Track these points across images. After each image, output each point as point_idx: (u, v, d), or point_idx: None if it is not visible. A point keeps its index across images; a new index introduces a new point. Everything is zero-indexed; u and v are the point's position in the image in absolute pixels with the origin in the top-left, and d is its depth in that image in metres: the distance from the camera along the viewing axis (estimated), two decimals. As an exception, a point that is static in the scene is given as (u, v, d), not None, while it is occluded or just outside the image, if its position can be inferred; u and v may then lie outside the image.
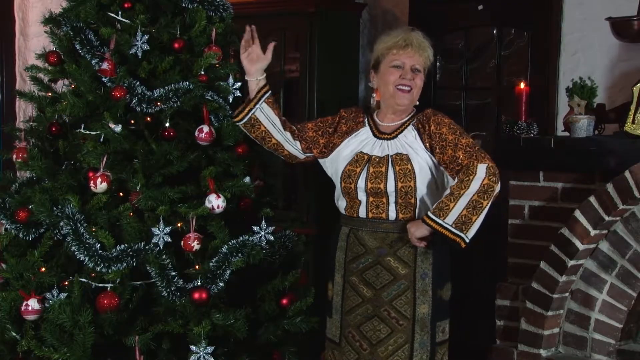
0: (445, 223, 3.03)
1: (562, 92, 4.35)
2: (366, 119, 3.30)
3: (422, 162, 3.14)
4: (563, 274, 3.60)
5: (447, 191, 3.07)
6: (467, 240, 3.05)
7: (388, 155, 3.16)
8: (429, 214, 3.06)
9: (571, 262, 3.58)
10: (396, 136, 3.20)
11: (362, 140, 3.25)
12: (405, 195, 3.12)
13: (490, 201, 3.06)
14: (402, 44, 3.19)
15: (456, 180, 3.08)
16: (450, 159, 3.11)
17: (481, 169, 3.05)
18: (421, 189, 3.14)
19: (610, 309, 3.62)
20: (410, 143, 3.17)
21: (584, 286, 3.67)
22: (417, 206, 3.15)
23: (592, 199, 3.53)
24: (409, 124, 3.22)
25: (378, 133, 3.24)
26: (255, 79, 3.36)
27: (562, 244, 3.60)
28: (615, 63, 4.31)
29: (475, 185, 3.04)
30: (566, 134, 3.83)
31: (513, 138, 3.85)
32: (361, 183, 3.15)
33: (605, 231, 3.60)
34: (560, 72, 4.52)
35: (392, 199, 3.13)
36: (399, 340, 3.14)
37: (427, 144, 3.16)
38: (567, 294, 3.69)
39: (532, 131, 3.84)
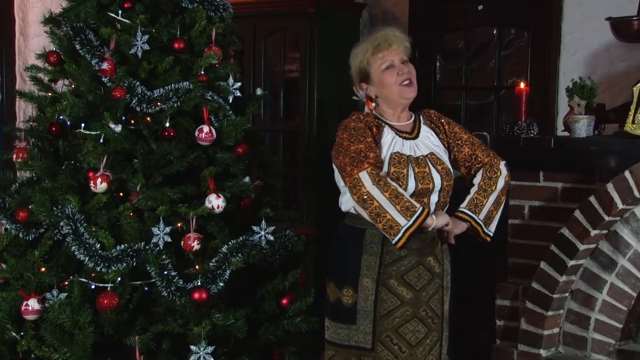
0: (479, 219, 3.15)
1: (562, 92, 4.34)
2: (380, 120, 3.25)
3: (448, 160, 3.22)
4: (563, 274, 3.60)
5: (476, 187, 3.20)
6: (492, 235, 3.19)
7: (423, 155, 3.16)
8: (466, 210, 3.15)
9: (571, 262, 3.58)
10: (417, 135, 3.21)
11: (390, 140, 3.16)
12: (447, 194, 3.19)
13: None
14: (386, 44, 3.20)
15: (482, 177, 3.20)
16: (466, 157, 3.23)
17: (503, 168, 3.23)
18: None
19: (610, 309, 3.61)
20: (433, 142, 3.22)
21: (584, 286, 3.66)
22: (447, 204, 3.21)
23: (592, 199, 3.52)
24: (420, 124, 3.23)
25: (400, 133, 3.21)
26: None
27: (562, 244, 3.60)
28: (615, 63, 4.31)
29: (501, 183, 3.20)
30: (566, 134, 3.82)
31: (513, 138, 3.85)
32: (411, 184, 3.09)
33: (605, 231, 3.59)
34: (560, 72, 4.52)
35: (434, 198, 3.14)
36: (433, 339, 3.16)
37: (446, 143, 3.24)
38: (567, 294, 3.69)
39: (532, 131, 3.84)
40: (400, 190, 3.03)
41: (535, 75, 4.66)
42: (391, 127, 3.20)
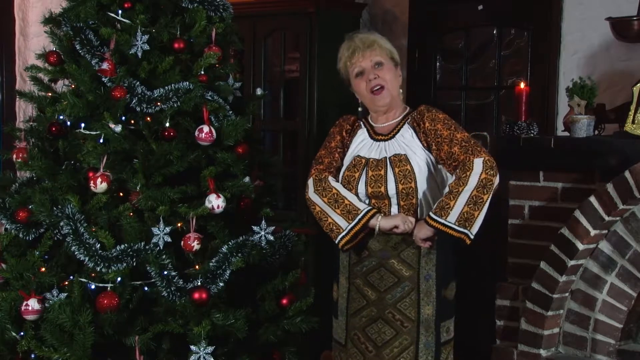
0: (448, 222, 3.03)
1: (562, 92, 4.35)
2: (362, 122, 3.30)
3: (420, 161, 3.14)
4: (563, 274, 3.60)
5: (447, 189, 3.08)
6: (472, 236, 3.06)
7: (386, 157, 3.15)
8: (431, 214, 3.06)
9: (571, 262, 3.58)
10: (393, 136, 3.20)
11: (359, 143, 3.24)
12: (407, 197, 3.12)
13: (491, 195, 3.06)
14: (349, 52, 3.23)
15: (454, 177, 3.08)
16: (446, 155, 3.11)
17: (478, 164, 3.05)
18: (422, 189, 3.13)
19: (611, 309, 3.62)
20: (407, 142, 3.17)
21: (584, 286, 3.67)
22: (419, 206, 3.14)
23: (592, 199, 3.52)
24: (404, 123, 3.21)
25: (374, 134, 3.24)
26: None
27: (562, 244, 3.60)
28: (615, 63, 4.31)
29: (473, 181, 3.04)
30: (566, 134, 3.82)
31: (513, 138, 3.85)
32: (361, 188, 3.15)
33: (605, 231, 3.60)
34: (560, 72, 4.52)
35: (393, 201, 3.13)
36: (404, 342, 3.14)
37: (424, 142, 3.16)
38: (567, 294, 3.69)
39: (532, 131, 3.84)
40: (344, 193, 3.12)
41: (535, 75, 4.66)
42: (370, 127, 3.23)
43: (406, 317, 3.13)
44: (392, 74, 3.21)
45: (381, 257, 3.15)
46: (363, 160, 3.18)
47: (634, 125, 3.62)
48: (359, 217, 3.10)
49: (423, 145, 3.16)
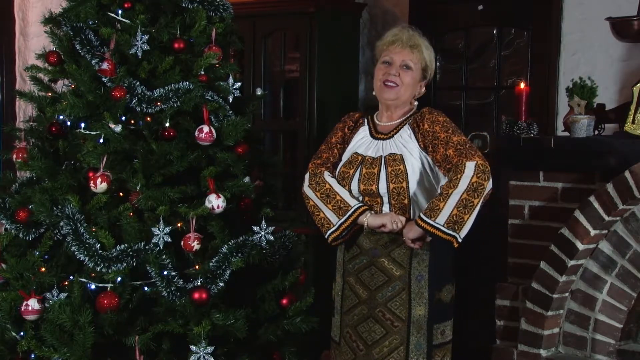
0: (437, 223, 3.02)
1: (562, 92, 4.35)
2: (366, 120, 3.31)
3: (415, 162, 3.14)
4: (563, 274, 3.60)
5: (438, 191, 3.08)
6: (460, 240, 3.05)
7: (382, 156, 3.16)
8: (421, 215, 3.07)
9: (571, 262, 3.58)
10: (392, 136, 3.21)
11: (358, 140, 3.25)
12: (398, 196, 3.12)
13: (482, 199, 3.05)
14: (391, 40, 3.22)
15: (446, 179, 3.08)
16: (442, 157, 3.11)
17: (469, 167, 3.04)
18: (414, 190, 3.13)
19: (611, 309, 3.62)
20: (405, 142, 3.17)
21: (584, 286, 3.67)
22: (411, 207, 3.15)
23: (592, 199, 3.52)
24: (405, 124, 3.22)
25: (375, 133, 3.25)
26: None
27: (562, 244, 3.60)
28: (615, 63, 4.31)
29: (463, 184, 3.03)
30: (566, 134, 3.82)
31: (513, 138, 3.85)
32: (354, 185, 3.16)
33: (605, 231, 3.60)
34: (560, 72, 4.52)
35: (385, 200, 3.14)
36: (394, 342, 3.13)
37: (422, 143, 3.16)
38: (567, 294, 3.69)
39: (532, 131, 3.84)
40: (337, 189, 3.16)
41: (535, 75, 4.66)
42: (373, 126, 3.24)
43: (396, 317, 3.13)
44: (412, 81, 3.22)
45: (372, 255, 3.17)
46: (359, 158, 3.20)
47: (634, 125, 3.62)
48: (349, 213, 3.13)
49: (420, 146, 3.16)
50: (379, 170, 3.13)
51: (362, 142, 3.25)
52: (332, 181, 3.21)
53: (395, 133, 3.21)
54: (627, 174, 3.43)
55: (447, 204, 3.01)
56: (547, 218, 3.79)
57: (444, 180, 3.10)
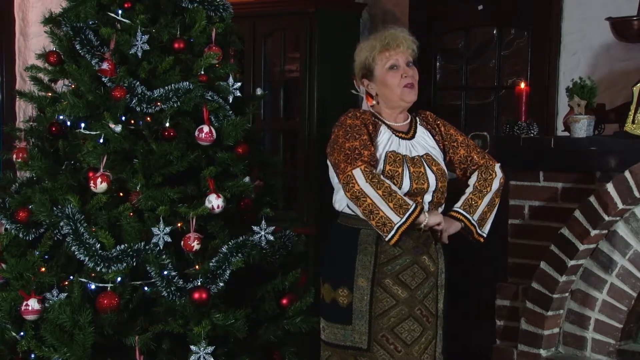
0: (473, 219, 3.17)
1: (562, 92, 4.34)
2: (376, 118, 3.25)
3: (443, 163, 3.23)
4: (563, 274, 3.60)
5: (471, 188, 3.21)
6: (485, 236, 3.20)
7: (419, 155, 3.18)
8: (460, 210, 3.16)
9: (571, 262, 3.58)
10: (413, 136, 3.22)
11: (387, 139, 3.17)
12: (442, 194, 3.20)
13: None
14: (394, 44, 3.19)
15: (477, 178, 3.22)
16: (462, 158, 3.24)
17: (498, 170, 3.25)
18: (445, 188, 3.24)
19: (610, 309, 3.61)
20: (431, 145, 3.23)
21: (584, 286, 3.66)
22: (443, 205, 3.22)
23: (592, 199, 3.52)
24: (416, 124, 3.24)
25: (396, 132, 3.22)
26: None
27: (562, 244, 3.60)
28: (615, 63, 4.31)
29: (496, 185, 3.22)
30: (566, 134, 3.82)
31: (513, 138, 3.85)
32: (406, 183, 3.11)
33: (605, 231, 3.59)
34: (560, 72, 4.52)
35: (427, 198, 3.15)
36: (428, 337, 3.17)
37: (441, 145, 3.26)
38: (567, 294, 3.69)
39: (532, 131, 3.84)
40: (394, 187, 3.05)
41: (535, 75, 4.66)
42: (388, 126, 3.21)
43: (429, 312, 3.17)
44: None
45: (414, 254, 3.15)
46: (400, 156, 3.16)
47: (634, 125, 3.62)
48: (409, 212, 3.03)
49: (439, 147, 3.25)
50: (425, 169, 3.15)
51: (391, 141, 3.17)
52: (388, 180, 3.09)
53: (414, 133, 3.22)
54: (627, 174, 3.43)
55: (483, 202, 3.19)
56: (547, 218, 3.79)
57: (474, 178, 3.22)
